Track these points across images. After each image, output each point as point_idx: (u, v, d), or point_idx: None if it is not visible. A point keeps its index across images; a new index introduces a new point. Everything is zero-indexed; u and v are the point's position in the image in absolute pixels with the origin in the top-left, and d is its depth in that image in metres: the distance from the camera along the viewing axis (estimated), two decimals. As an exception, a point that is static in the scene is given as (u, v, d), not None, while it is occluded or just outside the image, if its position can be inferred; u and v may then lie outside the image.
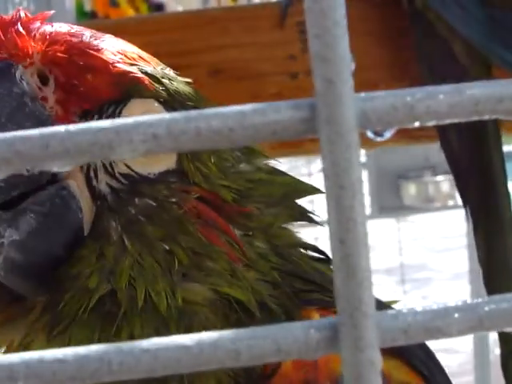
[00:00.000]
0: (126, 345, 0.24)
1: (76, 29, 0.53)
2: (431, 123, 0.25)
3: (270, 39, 0.96)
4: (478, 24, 0.83)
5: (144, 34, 0.97)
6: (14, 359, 0.24)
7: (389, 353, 0.52)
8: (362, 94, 0.24)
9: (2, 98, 0.49)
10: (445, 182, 3.50)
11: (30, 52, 0.50)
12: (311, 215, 0.59)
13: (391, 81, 0.96)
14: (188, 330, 0.49)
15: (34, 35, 0.50)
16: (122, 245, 0.50)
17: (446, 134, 0.94)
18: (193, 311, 0.50)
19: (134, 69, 0.52)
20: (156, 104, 0.53)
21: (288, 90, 0.96)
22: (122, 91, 0.52)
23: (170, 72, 0.55)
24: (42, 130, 0.24)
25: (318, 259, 0.58)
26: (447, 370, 0.61)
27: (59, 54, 0.50)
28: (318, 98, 0.23)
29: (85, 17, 2.44)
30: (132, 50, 0.54)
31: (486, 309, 0.24)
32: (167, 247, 0.51)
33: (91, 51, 0.51)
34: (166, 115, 0.24)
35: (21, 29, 0.50)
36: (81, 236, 0.51)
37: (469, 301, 0.24)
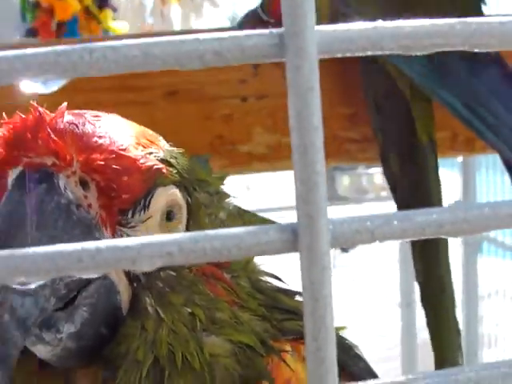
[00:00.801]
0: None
1: (90, 120, 0.55)
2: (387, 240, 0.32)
3: (223, 64, 1.00)
4: (419, 65, 0.90)
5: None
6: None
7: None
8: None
9: (51, 210, 0.51)
10: (378, 175, 3.62)
11: (70, 160, 0.52)
12: None
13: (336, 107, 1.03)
14: (218, 379, 0.56)
15: (66, 140, 0.52)
16: (157, 317, 0.55)
17: (387, 160, 1.02)
18: (218, 363, 0.57)
19: (153, 159, 0.56)
20: (174, 189, 0.58)
21: (238, 112, 1.01)
22: (149, 185, 0.56)
23: (169, 147, 0.60)
24: (76, 245, 0.29)
25: (281, 288, 0.66)
26: (375, 355, 0.68)
27: (98, 162, 0.52)
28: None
29: (28, 7, 2.42)
30: (140, 133, 0.58)
31: None
32: (189, 310, 0.56)
33: (121, 152, 0.54)
34: (178, 235, 0.30)
35: (52, 134, 0.52)
36: (120, 316, 0.56)
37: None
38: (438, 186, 1.03)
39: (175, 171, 0.57)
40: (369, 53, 0.30)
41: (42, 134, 0.52)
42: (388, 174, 1.03)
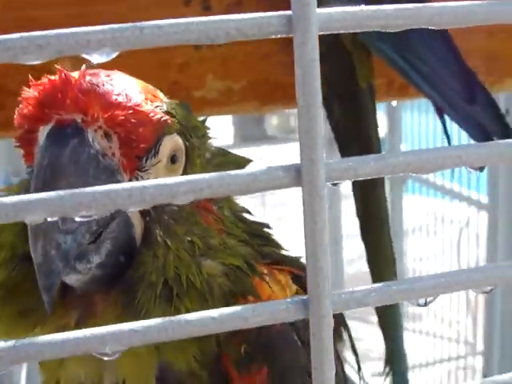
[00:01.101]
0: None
1: (106, 80, 0.61)
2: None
3: (178, 15, 1.06)
4: None
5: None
6: (103, 331, 0.38)
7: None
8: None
9: (84, 160, 0.58)
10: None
11: (96, 117, 0.59)
12: None
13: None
14: (215, 295, 0.64)
15: (92, 99, 0.59)
16: (165, 245, 0.63)
17: (330, 107, 1.11)
18: (215, 281, 0.65)
19: (160, 112, 0.63)
20: (176, 136, 0.66)
21: (193, 60, 1.08)
22: (159, 134, 0.63)
23: (168, 99, 0.67)
24: (126, 184, 0.37)
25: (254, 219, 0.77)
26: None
27: (120, 118, 0.60)
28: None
29: None
30: (145, 88, 0.65)
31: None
32: (189, 238, 0.65)
33: (137, 108, 0.61)
34: (207, 175, 0.37)
35: (80, 94, 0.58)
36: (135, 246, 0.64)
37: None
38: (376, 127, 1.12)
39: (176, 121, 0.65)
40: (357, 30, 0.38)
41: (70, 94, 0.59)
42: (331, 118, 1.12)
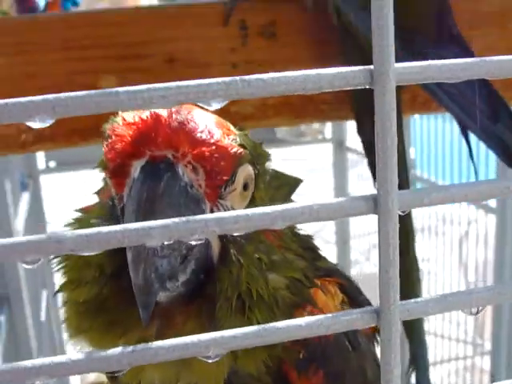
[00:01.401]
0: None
1: (191, 117, 0.67)
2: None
3: (215, 34, 1.13)
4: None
5: (99, 26, 1.11)
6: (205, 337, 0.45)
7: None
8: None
9: (176, 191, 0.65)
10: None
11: (186, 153, 0.66)
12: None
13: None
14: (279, 307, 0.72)
15: (181, 136, 0.66)
16: (239, 263, 0.70)
17: (361, 122, 1.17)
18: (279, 294, 0.72)
19: (236, 145, 0.70)
20: (248, 166, 0.73)
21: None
22: (235, 165, 0.70)
23: (237, 131, 0.73)
24: (232, 212, 0.43)
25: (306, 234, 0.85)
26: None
27: (206, 154, 0.66)
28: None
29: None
30: (220, 123, 0.71)
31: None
32: (257, 256, 0.72)
33: (219, 143, 0.68)
34: (294, 205, 0.44)
35: (171, 132, 0.65)
36: (212, 265, 0.71)
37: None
38: (403, 140, 1.19)
39: (247, 151, 0.72)
40: (427, 81, 0.44)
41: (162, 132, 0.66)
42: (361, 131, 1.19)
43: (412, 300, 0.47)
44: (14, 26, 1.12)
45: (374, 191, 0.45)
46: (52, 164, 3.15)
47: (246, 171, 0.73)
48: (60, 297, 0.77)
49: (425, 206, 0.46)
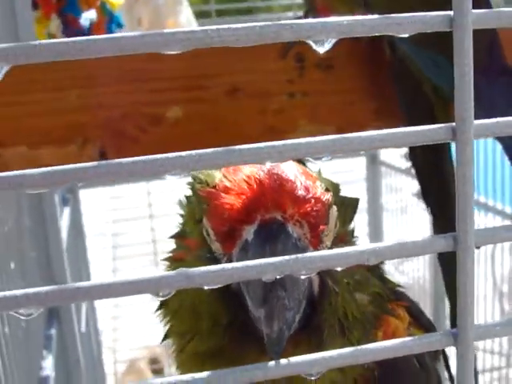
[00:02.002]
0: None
1: (286, 177, 0.75)
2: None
3: (274, 66, 1.21)
4: (446, 77, 1.12)
5: (164, 60, 1.20)
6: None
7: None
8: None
9: (290, 247, 0.71)
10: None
11: (293, 213, 0.73)
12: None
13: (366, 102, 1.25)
14: (367, 321, 0.81)
15: (286, 198, 0.73)
16: (335, 292, 0.78)
17: (414, 151, 1.24)
18: (367, 310, 0.82)
19: (324, 192, 0.77)
20: (334, 207, 0.80)
21: (287, 106, 1.22)
22: (328, 211, 0.78)
23: (319, 175, 0.81)
24: (345, 249, 0.51)
25: None
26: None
27: (309, 210, 0.74)
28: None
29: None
30: (306, 173, 0.78)
31: None
32: (346, 280, 0.80)
33: (316, 197, 0.75)
34: (383, 245, 0.51)
35: (277, 196, 0.73)
36: (314, 297, 0.78)
37: None
38: (452, 171, 1.26)
39: (331, 193, 0.80)
40: (499, 135, 0.51)
41: (269, 197, 0.73)
42: (414, 162, 1.26)
43: (483, 323, 0.54)
44: (83, 62, 1.20)
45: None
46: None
47: (333, 212, 0.80)
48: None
49: (496, 242, 0.53)
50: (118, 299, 4.06)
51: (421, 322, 0.92)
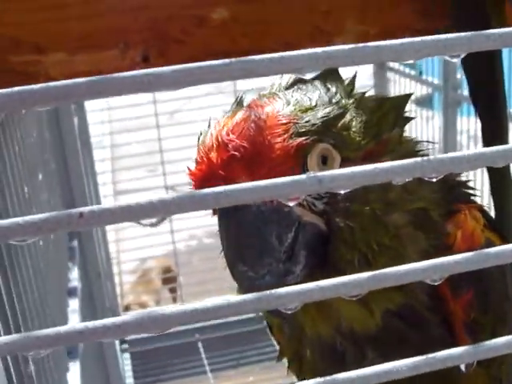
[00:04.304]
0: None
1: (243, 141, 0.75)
2: None
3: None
4: None
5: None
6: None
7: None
8: None
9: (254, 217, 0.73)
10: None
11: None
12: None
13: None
14: (407, 246, 0.79)
15: (238, 169, 0.74)
16: (348, 227, 0.77)
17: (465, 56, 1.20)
18: (403, 233, 0.79)
19: (293, 141, 0.76)
20: (319, 146, 0.78)
21: (336, 7, 1.17)
22: (301, 160, 0.78)
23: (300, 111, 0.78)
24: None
25: None
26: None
27: (264, 174, 0.73)
28: None
29: None
30: (272, 126, 0.76)
31: None
32: (367, 207, 0.79)
33: (274, 156, 0.76)
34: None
35: (228, 166, 0.74)
36: (326, 239, 0.78)
37: None
38: (502, 76, 1.22)
39: (314, 128, 0.78)
40: None
41: (220, 170, 0.75)
42: (466, 66, 1.23)
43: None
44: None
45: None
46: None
47: (315, 155, 0.77)
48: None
49: None
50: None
51: (494, 226, 0.91)
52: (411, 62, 0.48)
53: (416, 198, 0.80)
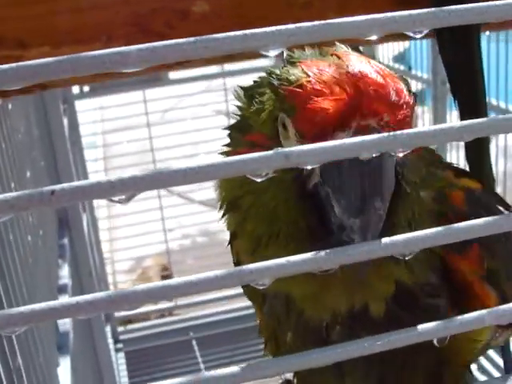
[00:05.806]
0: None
1: (383, 82, 0.73)
2: None
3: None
4: None
5: None
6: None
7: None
8: None
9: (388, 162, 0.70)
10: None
11: (388, 121, 0.71)
12: None
13: None
14: (427, 216, 0.81)
15: (382, 105, 0.71)
16: (406, 193, 0.77)
17: (443, 46, 1.22)
18: (429, 208, 0.83)
19: (410, 94, 0.76)
20: None
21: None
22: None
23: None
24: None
25: None
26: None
27: (402, 117, 0.73)
28: None
29: None
30: (393, 75, 0.75)
31: None
32: (413, 180, 0.79)
33: (407, 102, 0.74)
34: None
35: (374, 101, 0.71)
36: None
37: None
38: (481, 66, 1.24)
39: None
40: None
41: (366, 103, 0.70)
42: (444, 56, 1.24)
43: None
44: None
45: None
46: (86, 88, 3.19)
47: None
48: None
49: None
50: (113, 210, 4.08)
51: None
52: (375, 39, 0.49)
53: (436, 179, 0.86)
